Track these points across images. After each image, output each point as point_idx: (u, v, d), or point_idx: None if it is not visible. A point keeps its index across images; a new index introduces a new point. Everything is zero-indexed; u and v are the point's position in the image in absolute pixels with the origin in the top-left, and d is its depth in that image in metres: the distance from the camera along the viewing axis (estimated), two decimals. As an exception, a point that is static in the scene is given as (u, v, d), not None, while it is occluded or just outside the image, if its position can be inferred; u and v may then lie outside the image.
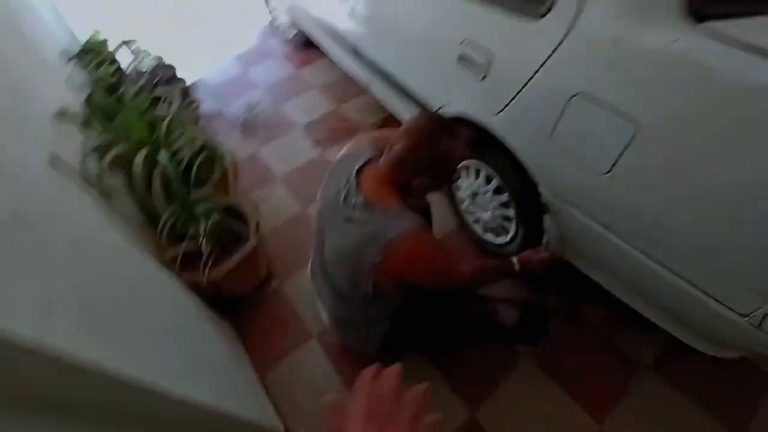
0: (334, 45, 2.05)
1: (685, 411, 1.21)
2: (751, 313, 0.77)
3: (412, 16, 1.36)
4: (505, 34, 1.03)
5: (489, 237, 1.52)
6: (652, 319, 1.11)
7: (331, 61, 2.65)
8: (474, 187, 1.41)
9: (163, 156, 1.34)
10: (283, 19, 2.76)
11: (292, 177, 2.04)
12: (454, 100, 1.27)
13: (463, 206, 1.56)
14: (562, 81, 0.91)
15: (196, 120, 2.26)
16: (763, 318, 0.76)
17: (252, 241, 1.42)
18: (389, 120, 2.25)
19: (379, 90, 1.88)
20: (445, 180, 1.00)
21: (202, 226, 1.33)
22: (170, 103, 1.85)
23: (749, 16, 0.72)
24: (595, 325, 1.36)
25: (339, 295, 1.09)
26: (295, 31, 2.75)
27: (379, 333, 1.14)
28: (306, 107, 2.43)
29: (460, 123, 1.26)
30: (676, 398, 1.23)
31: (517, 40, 1.00)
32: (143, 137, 1.46)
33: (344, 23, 1.78)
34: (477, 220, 1.53)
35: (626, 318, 1.31)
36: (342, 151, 1.12)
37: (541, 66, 0.94)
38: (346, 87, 2.53)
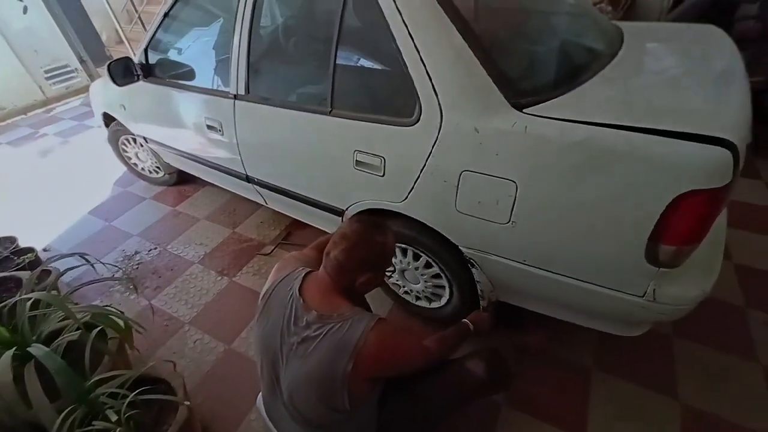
0: (221, 175, 2.06)
1: (635, 394, 1.41)
2: (645, 292, 1.02)
3: (302, 139, 1.51)
4: (390, 141, 1.24)
5: (422, 304, 1.62)
6: (578, 323, 1.33)
7: (212, 189, 2.63)
8: (402, 265, 1.52)
9: (37, 349, 1.09)
10: (148, 163, 2.66)
11: (204, 317, 1.83)
12: (362, 198, 1.42)
13: (393, 282, 1.65)
14: (449, 165, 1.14)
15: (63, 292, 1.88)
16: (654, 293, 1.01)
17: (183, 407, 1.19)
18: (293, 226, 2.30)
19: (278, 204, 1.94)
20: (385, 272, 1.07)
21: (112, 416, 1.08)
22: (18, 283, 1.54)
23: (547, 101, 1.07)
24: (540, 349, 1.53)
25: (313, 426, 1.00)
26: (163, 172, 2.66)
27: None
28: (197, 241, 2.29)
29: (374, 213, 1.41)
30: (625, 387, 1.43)
31: (402, 143, 1.21)
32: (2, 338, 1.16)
33: (232, 157, 1.83)
34: (408, 292, 1.63)
35: (558, 330, 1.53)
36: (270, 281, 1.11)
37: (428, 158, 1.16)
38: (236, 209, 2.50)
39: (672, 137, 0.87)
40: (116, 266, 2.12)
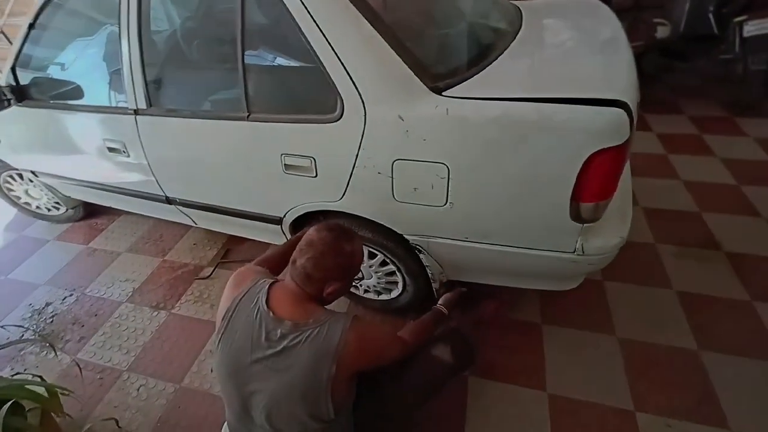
0: (136, 200, 1.85)
1: (580, 338, 1.55)
2: (575, 248, 1.12)
3: (223, 149, 1.40)
4: (317, 139, 1.19)
5: (371, 296, 1.62)
6: (523, 286, 1.43)
7: (129, 217, 2.37)
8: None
9: None
10: (43, 200, 2.31)
11: (145, 359, 1.65)
12: (298, 202, 1.36)
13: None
14: (380, 156, 1.13)
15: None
16: (582, 247, 1.11)
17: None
18: (230, 242, 2.16)
19: (210, 222, 1.80)
20: (353, 280, 1.06)
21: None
22: None
23: (462, 82, 1.09)
24: (492, 317, 1.61)
25: None
26: (64, 207, 2.33)
27: None
28: (122, 277, 2.05)
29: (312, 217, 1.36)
30: (571, 334, 1.57)
31: (329, 141, 1.17)
32: None
33: (145, 179, 1.65)
34: (357, 286, 1.62)
35: (506, 297, 1.65)
36: (228, 298, 1.03)
37: (358, 152, 1.14)
38: (162, 235, 2.28)
39: (575, 104, 0.94)
40: (22, 326, 1.82)
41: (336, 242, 0.96)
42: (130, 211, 2.08)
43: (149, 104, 1.43)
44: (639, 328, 1.56)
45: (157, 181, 1.62)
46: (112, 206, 2.09)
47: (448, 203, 1.13)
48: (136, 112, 1.45)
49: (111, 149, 1.59)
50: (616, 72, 1.08)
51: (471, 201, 1.12)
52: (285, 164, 1.26)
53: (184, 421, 1.44)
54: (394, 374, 1.14)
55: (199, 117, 1.36)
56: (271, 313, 0.94)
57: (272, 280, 1.03)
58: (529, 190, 1.05)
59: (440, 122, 1.03)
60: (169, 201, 1.70)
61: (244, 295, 0.99)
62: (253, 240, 1.81)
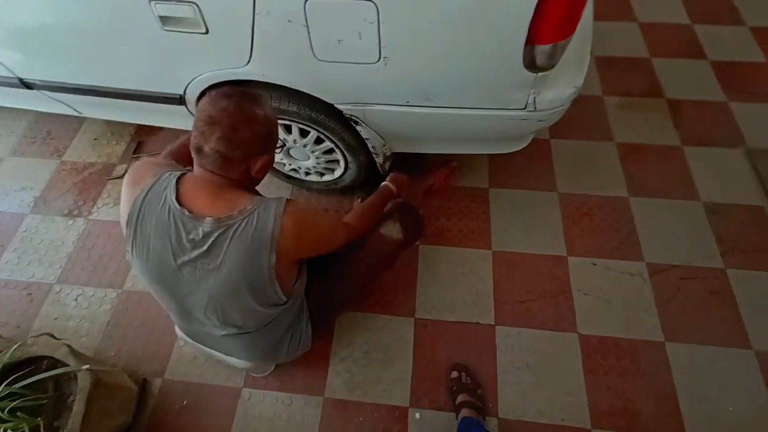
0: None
1: (524, 198, 1.58)
2: (527, 103, 0.99)
3: (72, 6, 1.00)
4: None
5: (313, 178, 1.50)
6: (471, 152, 1.35)
7: (1, 111, 1.88)
8: (288, 143, 1.31)
9: None
10: None
11: (73, 270, 1.52)
12: (196, 72, 1.06)
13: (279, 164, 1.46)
14: (285, -4, 0.84)
15: None
16: (534, 101, 0.98)
17: (83, 372, 1.04)
18: (141, 133, 1.83)
19: (97, 110, 1.45)
20: (276, 147, 0.89)
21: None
22: None
23: None
24: (443, 185, 1.58)
25: (249, 332, 0.95)
26: None
27: (306, 324, 1.08)
28: (15, 186, 1.72)
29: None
30: (516, 195, 1.59)
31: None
32: None
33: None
34: (296, 169, 1.46)
35: (455, 164, 1.59)
36: (127, 200, 0.86)
37: (255, -9, 0.83)
38: (50, 132, 1.87)
39: None
40: None
41: (243, 109, 0.77)
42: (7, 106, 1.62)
43: None
44: (578, 181, 1.60)
45: (24, 60, 1.19)
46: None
47: (381, 59, 0.91)
48: None
49: None
50: None
51: (409, 53, 0.91)
52: (160, 16, 0.92)
53: (136, 321, 1.41)
54: (343, 256, 1.11)
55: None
56: (186, 211, 0.80)
57: (180, 172, 0.85)
58: (476, 32, 0.85)
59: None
60: (27, 85, 1.29)
61: (146, 194, 0.83)
62: (168, 128, 1.51)
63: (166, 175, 0.85)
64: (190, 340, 1.09)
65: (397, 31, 0.86)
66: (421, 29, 0.86)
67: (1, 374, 1.00)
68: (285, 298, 0.91)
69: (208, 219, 0.80)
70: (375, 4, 0.81)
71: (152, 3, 0.90)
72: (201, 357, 1.30)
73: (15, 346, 1.05)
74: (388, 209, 1.22)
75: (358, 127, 1.16)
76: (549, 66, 0.91)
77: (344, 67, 0.95)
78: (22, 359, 1.07)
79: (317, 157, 1.35)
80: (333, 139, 1.23)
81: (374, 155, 1.30)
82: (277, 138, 0.87)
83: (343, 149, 1.27)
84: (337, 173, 1.43)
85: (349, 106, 1.08)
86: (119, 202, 1.63)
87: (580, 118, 1.75)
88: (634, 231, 1.48)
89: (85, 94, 1.28)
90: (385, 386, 1.25)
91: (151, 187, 0.83)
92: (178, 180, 0.83)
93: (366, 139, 1.22)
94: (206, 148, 0.77)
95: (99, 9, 0.99)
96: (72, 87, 1.25)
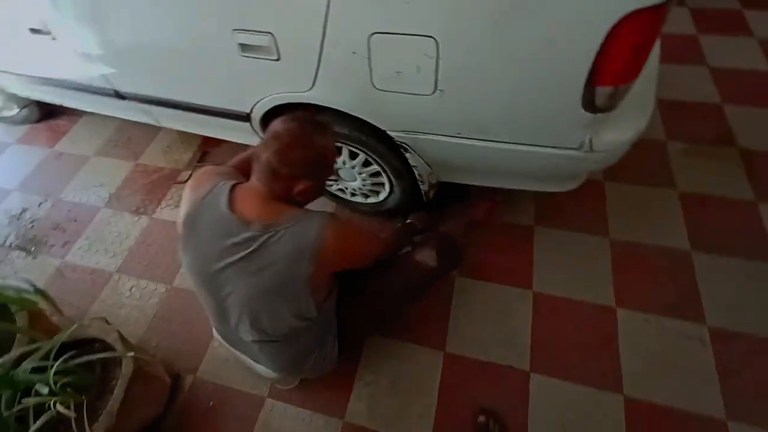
0: (85, 96, 1.62)
1: (572, 239, 1.50)
2: (582, 143, 0.97)
3: (164, 24, 1.14)
4: (273, 8, 0.94)
5: (358, 199, 1.53)
6: (519, 187, 1.32)
7: (93, 118, 2.14)
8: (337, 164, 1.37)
9: None
10: (-8, 98, 2.05)
11: (132, 262, 1.65)
12: (264, 93, 1.15)
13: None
14: (352, 29, 0.90)
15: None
16: (591, 142, 0.96)
17: (127, 359, 1.11)
18: (207, 144, 1.99)
19: (174, 121, 1.61)
20: (325, 180, 0.96)
21: (43, 389, 0.98)
22: None
23: None
24: (486, 218, 1.55)
25: (276, 341, 0.97)
26: (17, 107, 2.08)
27: (333, 342, 1.08)
28: (95, 182, 1.93)
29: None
30: (563, 235, 1.52)
31: (289, 8, 0.93)
32: None
33: (83, 69, 1.40)
34: (343, 189, 1.51)
35: (500, 198, 1.57)
36: (187, 203, 0.94)
37: (325, 24, 0.90)
38: (131, 138, 2.09)
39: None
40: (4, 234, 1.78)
41: (304, 133, 0.85)
42: (87, 110, 1.85)
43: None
44: (634, 229, 1.50)
45: (96, 69, 1.37)
46: (64, 104, 1.85)
47: (437, 90, 0.94)
48: (47, -26, 1.14)
49: (33, 30, 1.31)
50: None
51: (465, 87, 0.93)
52: (240, 44, 1.02)
53: (178, 317, 1.49)
54: (377, 279, 1.12)
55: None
56: (235, 216, 0.86)
57: (234, 182, 0.93)
58: (536, 72, 0.86)
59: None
60: (120, 96, 1.47)
61: (203, 199, 0.91)
62: (231, 142, 1.64)
63: (222, 183, 0.92)
64: (224, 342, 1.14)
65: (455, 66, 0.89)
66: (478, 65, 0.88)
67: (58, 350, 1.09)
68: (315, 312, 0.93)
69: (255, 224, 0.85)
70: (435, 40, 0.85)
71: (235, 32, 1.01)
72: (232, 360, 1.33)
73: (74, 326, 1.14)
74: (426, 237, 1.22)
75: (407, 154, 1.19)
76: (609, 108, 0.89)
77: (400, 97, 0.99)
78: (78, 339, 1.16)
79: (363, 179, 1.39)
80: (380, 162, 1.26)
81: (420, 182, 1.32)
82: (327, 171, 0.93)
83: (389, 173, 1.30)
84: (382, 196, 1.45)
85: (400, 134, 1.12)
86: (179, 204, 1.80)
87: (639, 161, 1.66)
88: (695, 288, 1.35)
89: (167, 107, 1.43)
90: (407, 421, 1.20)
91: (209, 192, 0.91)
92: (232, 188, 0.91)
93: (413, 166, 1.24)
94: (262, 157, 0.85)
95: (190, 35, 1.12)
96: (157, 100, 1.41)
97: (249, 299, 0.90)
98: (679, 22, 2.26)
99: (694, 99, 1.90)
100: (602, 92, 0.84)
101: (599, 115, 0.90)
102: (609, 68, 0.80)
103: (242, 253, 0.85)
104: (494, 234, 1.55)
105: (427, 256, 1.13)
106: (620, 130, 0.98)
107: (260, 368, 1.11)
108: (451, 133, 1.06)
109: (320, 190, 0.97)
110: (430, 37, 0.84)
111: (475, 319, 1.36)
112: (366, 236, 1.04)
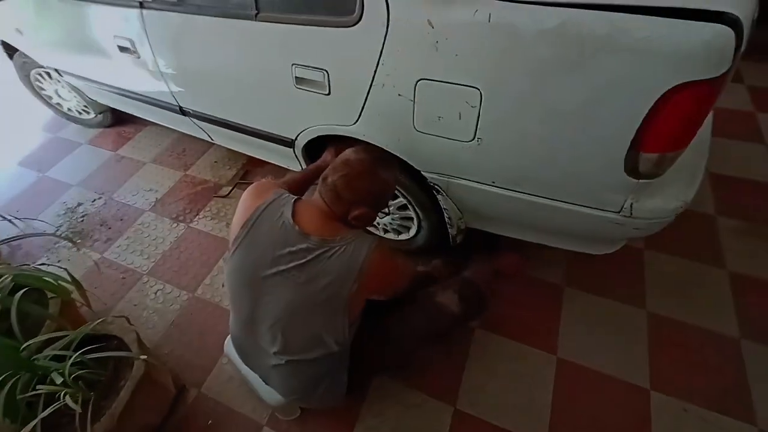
0: (154, 109, 1.78)
1: (605, 307, 1.41)
2: (622, 207, 0.93)
3: (229, 53, 1.26)
4: (331, 48, 1.02)
5: (391, 236, 1.54)
6: (552, 245, 1.27)
7: (155, 128, 2.34)
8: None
9: None
10: (73, 102, 2.30)
11: (163, 266, 1.72)
12: (310, 123, 1.22)
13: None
14: (402, 73, 0.95)
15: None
16: (631, 207, 0.92)
17: (139, 362, 1.12)
18: (250, 164, 2.10)
19: (225, 140, 1.72)
20: (379, 211, 1.02)
21: (57, 379, 1.01)
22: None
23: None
24: (513, 271, 1.50)
25: (295, 360, 0.96)
26: (93, 112, 2.33)
27: (344, 375, 1.05)
28: (146, 187, 2.08)
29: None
30: (595, 301, 1.43)
31: (345, 50, 1.00)
32: None
33: (157, 85, 1.56)
34: (375, 225, 1.53)
35: (530, 253, 1.51)
36: (248, 208, 0.98)
37: (377, 66, 0.96)
38: (185, 150, 2.26)
39: (660, 15, 0.70)
40: (55, 222, 1.92)
41: (373, 166, 0.93)
42: (152, 121, 2.03)
43: (155, -5, 1.28)
44: (675, 305, 1.39)
45: (168, 87, 1.52)
46: (135, 114, 2.05)
47: (475, 139, 0.96)
48: (142, 4, 1.31)
49: (122, 48, 1.49)
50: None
51: (504, 138, 0.94)
52: (296, 77, 1.11)
53: (195, 327, 1.51)
54: (396, 317, 1.11)
55: (205, 13, 1.20)
56: (296, 227, 0.90)
57: (296, 197, 0.99)
58: (579, 130, 0.85)
59: (479, 32, 0.82)
60: (182, 112, 1.61)
61: (267, 206, 0.96)
62: (272, 164, 1.73)
63: (286, 195, 0.98)
64: (235, 357, 1.13)
65: (496, 117, 0.91)
66: (520, 119, 0.90)
67: (79, 342, 1.13)
68: (346, 334, 0.93)
69: (314, 237, 0.89)
70: (480, 91, 0.88)
71: (293, 66, 1.09)
72: (236, 380, 1.32)
73: (98, 321, 1.18)
74: (449, 281, 1.19)
75: (438, 196, 1.20)
76: (653, 175, 0.86)
77: (439, 141, 1.02)
78: (98, 334, 1.20)
79: (393, 213, 1.40)
80: (412, 202, 1.27)
81: (449, 226, 1.31)
82: (384, 203, 1.00)
83: (419, 213, 1.30)
84: (412, 232, 1.45)
85: (434, 176, 1.13)
86: (217, 217, 1.89)
87: (685, 234, 1.57)
88: (744, 383, 1.20)
89: (221, 126, 1.55)
90: (405, 478, 1.12)
91: (273, 201, 0.96)
92: (295, 201, 0.96)
93: (444, 209, 1.24)
94: (330, 180, 0.92)
95: (252, 65, 1.23)
96: (214, 119, 1.53)
97: (288, 308, 0.92)
98: (735, 97, 2.21)
99: (748, 176, 1.81)
100: (647, 159, 0.82)
101: (642, 181, 0.87)
102: (656, 135, 0.79)
103: (295, 263, 0.89)
104: (520, 289, 1.48)
105: (449, 300, 1.11)
106: (664, 199, 0.93)
107: (264, 391, 1.09)
108: (485, 180, 1.06)
109: (373, 219, 1.02)
110: (475, 87, 0.87)
111: (492, 377, 1.28)
112: (403, 266, 1.06)
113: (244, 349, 1.10)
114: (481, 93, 0.88)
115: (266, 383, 1.08)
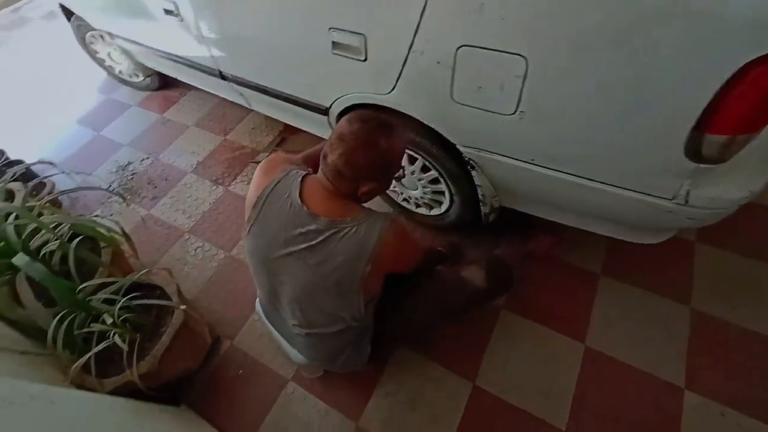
0: (196, 74, 1.82)
1: (643, 299, 1.33)
2: (676, 194, 0.85)
3: (269, 17, 1.24)
4: (370, 10, 0.98)
5: (422, 211, 1.51)
6: (591, 230, 1.20)
7: (198, 93, 2.41)
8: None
9: (20, 259, 1.08)
10: (124, 65, 2.40)
11: (202, 225, 1.81)
12: (345, 91, 1.20)
13: (391, 189, 1.51)
14: (442, 39, 0.90)
15: (56, 203, 1.88)
16: (687, 194, 0.84)
17: (179, 311, 1.21)
18: (287, 131, 2.13)
19: (263, 106, 1.74)
20: (391, 180, 0.95)
21: (108, 319, 1.11)
22: (11, 194, 1.51)
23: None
24: (546, 254, 1.44)
25: (317, 333, 0.99)
26: (142, 75, 2.42)
27: (367, 345, 1.08)
28: (189, 149, 2.17)
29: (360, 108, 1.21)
30: (633, 292, 1.36)
31: (384, 13, 0.95)
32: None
33: (199, 49, 1.58)
34: (407, 199, 1.50)
35: (566, 236, 1.44)
36: (258, 186, 0.98)
37: (416, 31, 0.91)
38: (225, 115, 2.31)
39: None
40: (104, 179, 2.06)
41: (370, 136, 0.83)
42: (195, 86, 2.08)
43: (200, -45, 1.27)
44: (724, 304, 1.29)
45: (209, 51, 1.54)
46: (179, 78, 2.11)
47: (517, 112, 0.90)
48: (185, -37, 1.31)
49: (167, 11, 1.51)
50: None
51: (549, 112, 0.87)
52: (333, 41, 1.08)
53: (229, 285, 1.60)
54: (419, 289, 1.10)
55: (246, -26, 1.18)
56: (305, 208, 0.88)
57: (305, 172, 0.96)
58: (634, 105, 0.77)
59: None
60: (223, 76, 1.64)
61: (276, 185, 0.94)
62: (308, 132, 1.73)
63: (294, 172, 0.95)
64: (264, 319, 1.19)
65: (543, 89, 0.84)
66: (568, 92, 0.82)
67: (126, 289, 1.23)
68: (362, 312, 0.93)
69: (324, 219, 0.87)
70: (526, 59, 0.81)
71: (330, 30, 1.06)
72: (266, 336, 1.39)
73: (144, 271, 1.28)
74: (476, 257, 1.17)
75: (473, 172, 1.15)
76: (717, 160, 0.77)
77: (478, 113, 0.96)
78: (144, 283, 1.30)
79: (424, 186, 1.37)
80: (444, 176, 1.24)
81: (481, 204, 1.27)
82: (393, 171, 0.91)
83: (451, 187, 1.27)
84: (442, 209, 1.42)
85: (470, 150, 1.08)
86: (251, 184, 1.94)
87: (745, 228, 1.43)
88: (793, 392, 1.12)
89: (259, 92, 1.56)
90: (419, 447, 1.15)
91: (281, 179, 0.94)
92: (304, 178, 0.93)
93: (478, 185, 1.19)
94: (329, 159, 0.85)
95: (290, 30, 1.20)
96: (252, 84, 1.54)
97: (303, 289, 0.92)
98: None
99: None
100: (713, 141, 0.74)
101: (703, 166, 0.78)
102: (727, 116, 0.70)
103: (306, 244, 0.88)
104: (554, 273, 1.43)
105: (475, 275, 1.09)
106: (727, 188, 0.84)
107: (292, 352, 1.15)
108: (524, 158, 1.00)
109: (385, 189, 0.97)
110: (521, 56, 0.81)
111: (514, 359, 1.27)
112: (418, 244, 1.03)
113: (269, 315, 1.14)
114: (527, 61, 0.81)
115: (292, 347, 1.13)
